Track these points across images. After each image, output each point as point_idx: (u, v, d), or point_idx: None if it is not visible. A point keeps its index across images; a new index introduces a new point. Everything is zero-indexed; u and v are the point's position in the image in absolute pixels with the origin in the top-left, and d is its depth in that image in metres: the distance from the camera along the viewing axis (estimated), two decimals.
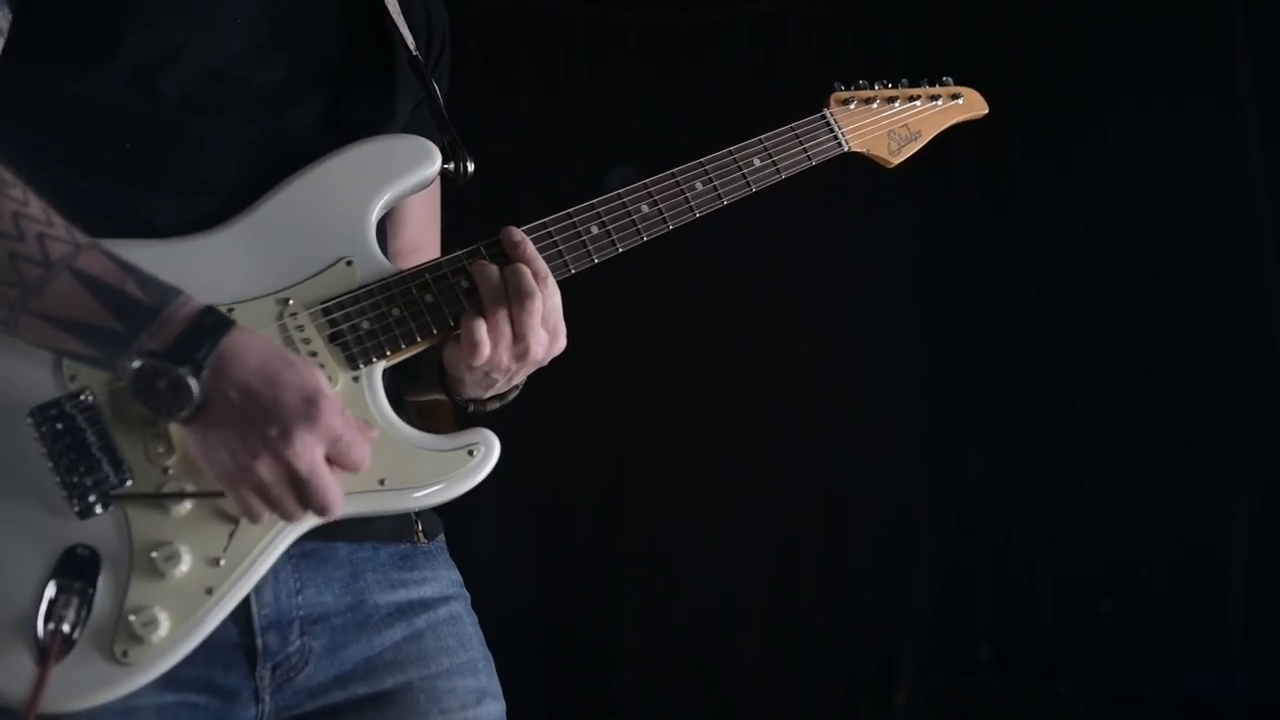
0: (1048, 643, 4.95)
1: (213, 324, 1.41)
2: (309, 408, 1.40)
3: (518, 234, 1.64)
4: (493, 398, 1.73)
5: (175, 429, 1.46)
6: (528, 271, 1.61)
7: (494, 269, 1.61)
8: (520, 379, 1.71)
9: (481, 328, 1.59)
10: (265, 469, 1.40)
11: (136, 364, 1.37)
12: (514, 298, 1.60)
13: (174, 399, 1.38)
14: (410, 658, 1.67)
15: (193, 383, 1.37)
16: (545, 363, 1.67)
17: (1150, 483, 4.66)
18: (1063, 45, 4.80)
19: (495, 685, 1.76)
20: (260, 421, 1.39)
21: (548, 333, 1.63)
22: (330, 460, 1.43)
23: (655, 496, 5.07)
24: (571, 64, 5.03)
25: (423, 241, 1.92)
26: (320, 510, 1.43)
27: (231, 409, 1.40)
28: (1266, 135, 4.62)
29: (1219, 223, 4.67)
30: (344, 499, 1.46)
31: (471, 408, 1.75)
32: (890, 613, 5.08)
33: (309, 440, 1.40)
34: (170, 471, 1.46)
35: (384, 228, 1.74)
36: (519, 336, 1.61)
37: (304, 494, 1.41)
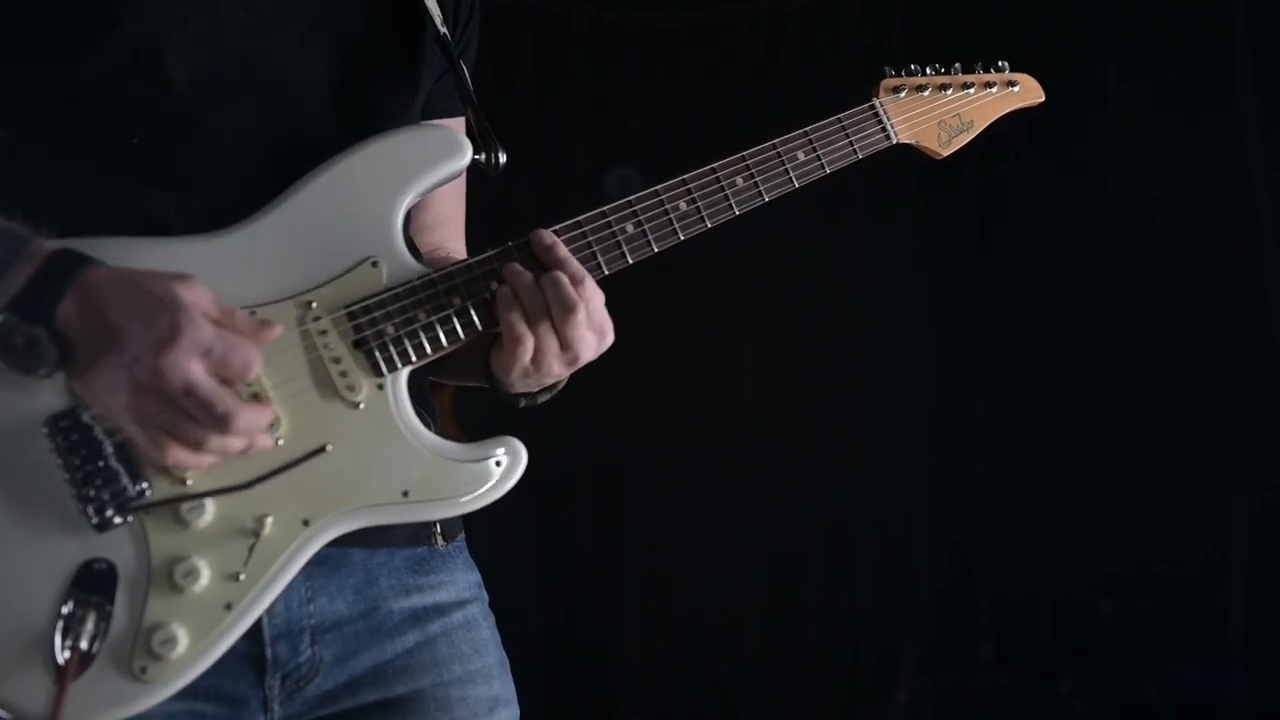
0: (1048, 642, 4.96)
1: (61, 268, 1.35)
2: (168, 328, 1.33)
3: (548, 236, 1.57)
4: (541, 391, 1.67)
5: None
6: (566, 281, 1.54)
7: (529, 277, 1.54)
8: (568, 373, 1.65)
9: (521, 325, 1.54)
10: (147, 401, 1.34)
11: None
12: (557, 312, 1.54)
13: (33, 355, 1.34)
14: (422, 664, 1.64)
15: (42, 333, 1.33)
16: (595, 359, 1.61)
17: (1151, 482, 4.67)
18: (1063, 44, 4.79)
19: (509, 692, 1.72)
20: (123, 354, 1.33)
21: (595, 334, 1.57)
22: (215, 374, 1.36)
23: (657, 496, 5.06)
24: (571, 64, 5.02)
25: (450, 215, 1.87)
26: (219, 423, 1.35)
27: (95, 351, 1.35)
28: (1267, 134, 4.62)
29: (1219, 222, 4.67)
30: (367, 500, 1.44)
31: (523, 403, 1.69)
32: (891, 612, 5.07)
33: (173, 359, 1.32)
34: (189, 482, 1.43)
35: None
36: (566, 345, 1.55)
37: (193, 414, 1.34)
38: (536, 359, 1.56)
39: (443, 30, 1.70)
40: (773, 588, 5.11)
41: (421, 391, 1.69)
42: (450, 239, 1.87)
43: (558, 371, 1.58)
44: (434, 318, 1.53)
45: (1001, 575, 5.05)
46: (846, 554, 5.10)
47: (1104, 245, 4.83)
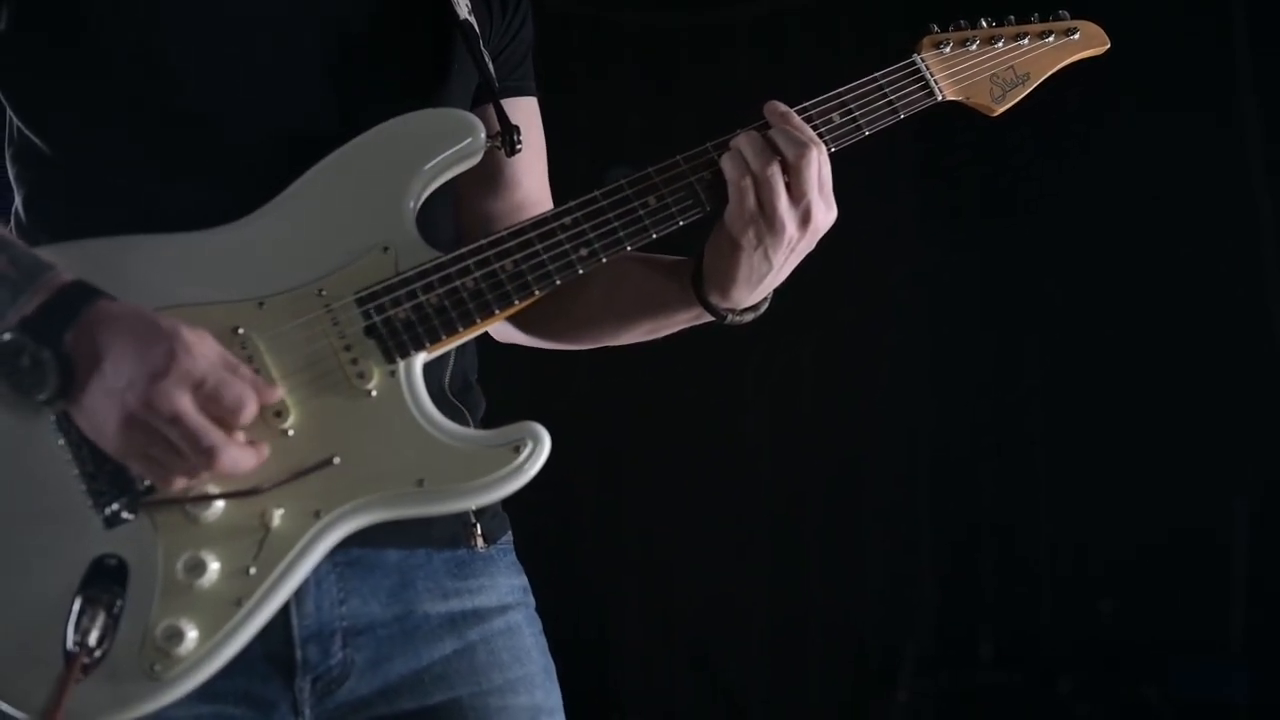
0: (1048, 642, 4.95)
1: (75, 296, 1.36)
2: (164, 356, 1.32)
3: (781, 105, 1.60)
4: (747, 309, 1.66)
5: None
6: (800, 127, 1.56)
7: (755, 134, 1.57)
8: (779, 279, 1.63)
9: (747, 176, 1.53)
10: (139, 429, 1.33)
11: (4, 338, 1.33)
12: (790, 149, 1.54)
13: (35, 377, 1.33)
14: (460, 673, 1.60)
15: (49, 356, 1.33)
16: (818, 237, 1.59)
17: (1151, 482, 4.65)
18: None
19: (553, 700, 1.68)
20: (119, 382, 1.33)
21: (824, 201, 1.56)
22: (206, 410, 1.34)
23: (660, 493, 5.05)
24: (571, 64, 5.01)
25: (541, 196, 1.84)
26: (203, 456, 1.34)
27: (93, 378, 1.34)
28: (1267, 134, 4.62)
29: (1219, 222, 4.66)
30: (379, 490, 1.41)
31: (729, 318, 1.67)
32: (892, 612, 5.07)
33: (163, 387, 1.32)
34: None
35: (443, 202, 1.65)
36: (798, 195, 1.54)
37: (178, 445, 1.34)
38: (766, 209, 1.54)
39: (466, 18, 1.66)
40: (776, 586, 5.10)
41: (468, 386, 1.68)
42: None
43: (791, 231, 1.55)
44: (447, 301, 1.50)
45: (1002, 575, 5.04)
46: (850, 553, 5.09)
47: (1104, 245, 4.82)
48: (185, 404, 1.33)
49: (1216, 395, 4.63)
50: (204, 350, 1.36)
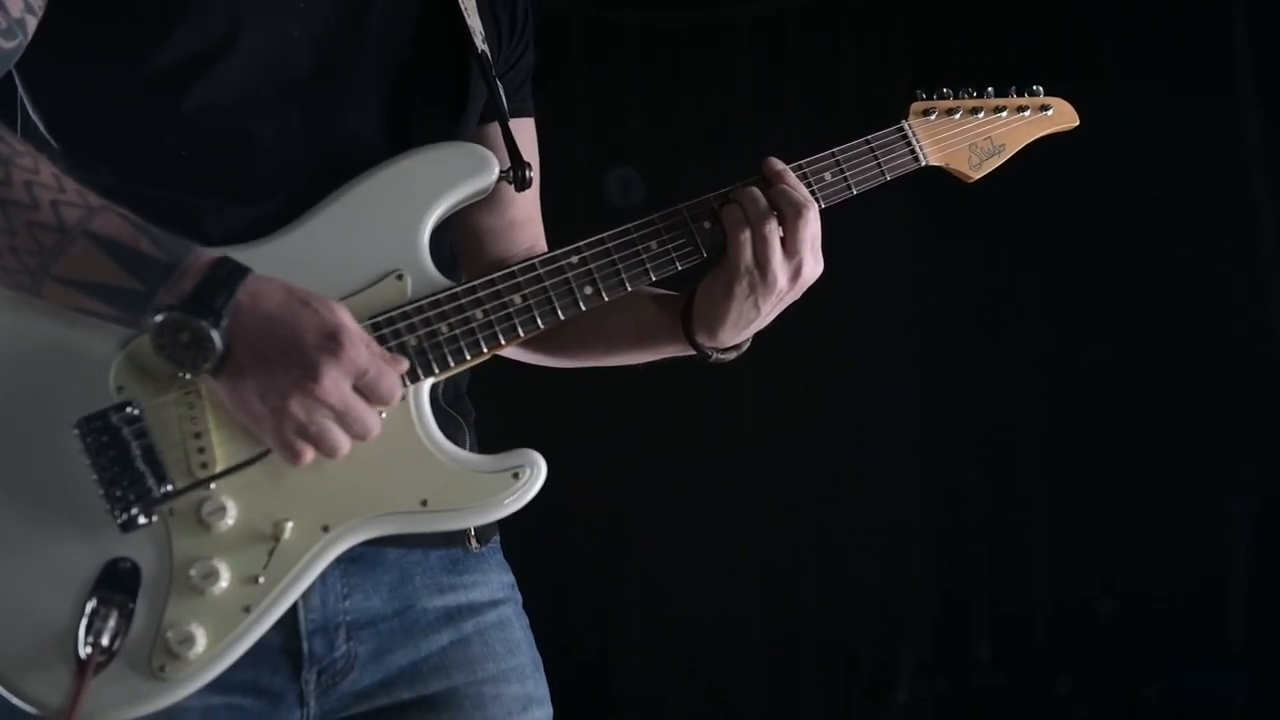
0: (1048, 643, 4.95)
1: (227, 273, 1.40)
2: (329, 343, 1.40)
3: (778, 163, 1.69)
4: (730, 348, 1.78)
5: (215, 424, 1.45)
6: (803, 187, 1.66)
7: (758, 192, 1.65)
8: (763, 324, 1.73)
9: (746, 230, 1.62)
10: (299, 408, 1.39)
11: (158, 319, 1.37)
12: (789, 209, 1.63)
13: (197, 351, 1.37)
14: (456, 663, 1.68)
15: (214, 334, 1.37)
16: (805, 288, 1.69)
17: (1150, 482, 4.66)
18: (1063, 44, 4.79)
19: (543, 690, 1.76)
20: (285, 362, 1.39)
21: (814, 257, 1.66)
22: (360, 393, 1.42)
23: (655, 505, 5.04)
24: (571, 64, 5.01)
25: (533, 213, 1.93)
26: (360, 436, 1.43)
27: (255, 354, 1.39)
28: (1267, 134, 4.62)
29: (1219, 222, 4.66)
30: (386, 508, 1.49)
31: (713, 356, 1.78)
32: (890, 614, 5.07)
33: (334, 375, 1.39)
34: (213, 485, 1.46)
35: (456, 226, 1.73)
36: (792, 251, 1.64)
37: (348, 428, 1.42)
38: (761, 262, 1.63)
39: (482, 48, 1.73)
40: (771, 597, 5.10)
41: (458, 395, 1.73)
42: (539, 237, 1.93)
43: (783, 284, 1.65)
44: (457, 330, 1.56)
45: (1000, 575, 5.04)
46: (844, 555, 5.09)
47: (1103, 245, 4.82)
48: (351, 394, 1.41)
49: (1216, 396, 4.64)
50: (358, 334, 1.43)
